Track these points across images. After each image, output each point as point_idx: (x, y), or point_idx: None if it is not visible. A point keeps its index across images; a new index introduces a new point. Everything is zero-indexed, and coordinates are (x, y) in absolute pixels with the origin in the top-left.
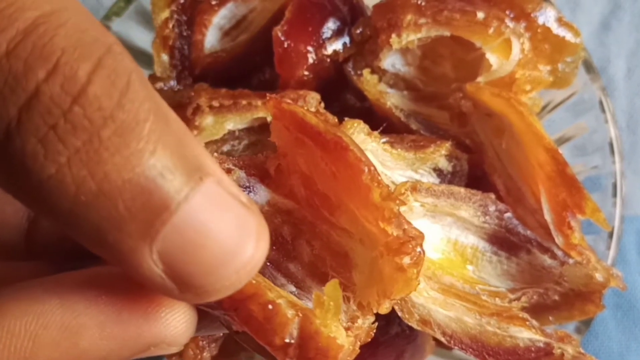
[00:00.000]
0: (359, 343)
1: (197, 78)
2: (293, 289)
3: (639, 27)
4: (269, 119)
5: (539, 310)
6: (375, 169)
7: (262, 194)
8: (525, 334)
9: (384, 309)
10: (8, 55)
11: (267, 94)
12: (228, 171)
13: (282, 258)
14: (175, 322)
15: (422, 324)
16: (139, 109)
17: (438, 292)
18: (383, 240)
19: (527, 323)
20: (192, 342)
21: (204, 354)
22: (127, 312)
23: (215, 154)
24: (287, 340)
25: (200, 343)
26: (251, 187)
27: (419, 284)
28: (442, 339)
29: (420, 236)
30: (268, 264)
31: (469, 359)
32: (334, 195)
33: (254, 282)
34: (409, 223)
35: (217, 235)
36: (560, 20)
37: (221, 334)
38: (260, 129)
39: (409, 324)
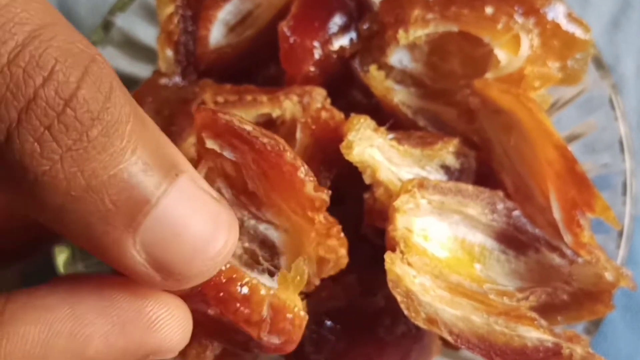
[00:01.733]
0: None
1: (202, 74)
2: (252, 221)
3: None
4: (274, 115)
5: (547, 310)
6: (309, 169)
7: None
8: (533, 334)
9: (319, 279)
10: (9, 64)
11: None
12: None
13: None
14: (173, 332)
15: (428, 323)
16: (121, 111)
17: (445, 290)
18: (312, 228)
19: (536, 322)
20: (194, 340)
21: (207, 352)
22: (131, 324)
23: None
24: (263, 316)
25: (203, 341)
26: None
27: (347, 258)
28: (449, 338)
29: (336, 222)
30: None
31: (477, 359)
32: (262, 193)
33: (230, 266)
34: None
35: (193, 226)
36: (570, 16)
37: None
38: (265, 125)
39: (416, 322)
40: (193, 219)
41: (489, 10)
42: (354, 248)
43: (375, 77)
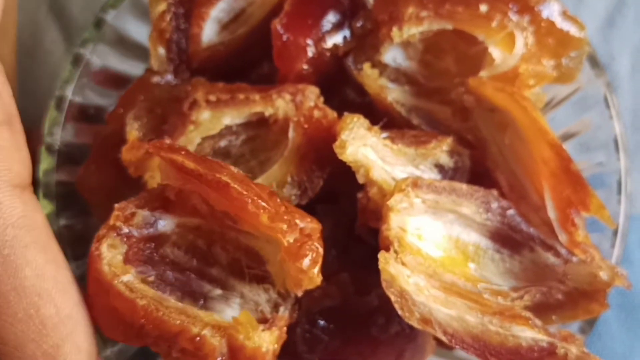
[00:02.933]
0: (284, 331)
1: (195, 72)
2: (219, 291)
3: None
4: (267, 113)
5: (542, 309)
6: (259, 196)
7: (170, 220)
8: (528, 334)
9: (300, 293)
10: None
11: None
12: (132, 215)
13: (203, 267)
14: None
15: (422, 323)
16: None
17: (439, 290)
18: (282, 248)
19: (530, 322)
20: None
21: None
22: None
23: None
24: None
25: None
26: (157, 220)
27: (320, 277)
28: (443, 338)
29: (316, 229)
30: (192, 275)
31: (471, 359)
32: (232, 212)
33: (177, 321)
34: (304, 217)
35: None
36: (564, 14)
37: None
38: (258, 124)
39: (410, 322)
40: None
41: (483, 8)
42: (348, 247)
43: (369, 75)
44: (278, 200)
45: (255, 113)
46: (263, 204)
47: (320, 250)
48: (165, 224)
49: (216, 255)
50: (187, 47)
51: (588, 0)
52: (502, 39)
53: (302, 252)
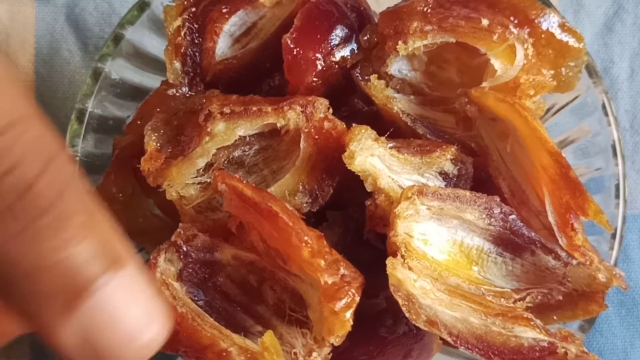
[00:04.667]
0: None
1: (209, 85)
2: (260, 328)
3: None
4: (279, 124)
5: (543, 310)
6: (304, 232)
7: (227, 251)
8: (529, 334)
9: (336, 342)
10: None
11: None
12: (193, 237)
13: (251, 302)
14: None
15: (429, 325)
16: (72, 206)
17: (444, 293)
18: (320, 288)
19: (532, 323)
20: None
21: None
22: None
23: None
24: None
25: None
26: (216, 247)
27: (352, 322)
28: (449, 339)
29: (357, 279)
30: (238, 308)
31: (476, 357)
32: (281, 249)
33: (209, 334)
34: (349, 267)
35: (128, 317)
36: (563, 26)
37: None
38: (270, 135)
39: (417, 324)
40: (129, 310)
41: (485, 21)
42: (357, 252)
43: (375, 86)
44: (325, 243)
45: (267, 124)
46: (306, 238)
47: (357, 298)
48: (223, 253)
49: (264, 294)
50: (202, 60)
51: (588, 6)
52: (503, 51)
53: (338, 294)
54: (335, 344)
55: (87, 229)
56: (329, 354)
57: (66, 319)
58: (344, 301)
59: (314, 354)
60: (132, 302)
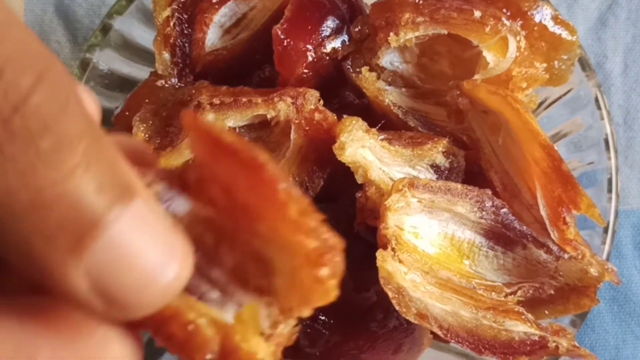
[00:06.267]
0: (280, 350)
1: (198, 76)
2: (217, 294)
3: (636, 23)
4: (269, 116)
5: (534, 304)
6: (292, 185)
7: (183, 203)
8: (520, 328)
9: (306, 313)
10: None
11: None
12: (149, 184)
13: (205, 265)
14: (120, 351)
15: (419, 318)
16: (76, 126)
17: (435, 286)
18: (302, 252)
19: (523, 317)
20: None
21: None
22: (79, 340)
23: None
24: (207, 357)
25: None
26: (171, 199)
27: (336, 292)
28: (439, 333)
29: (339, 244)
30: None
31: (466, 351)
32: (253, 207)
33: (174, 304)
34: (328, 231)
35: (145, 255)
36: (556, 19)
37: None
38: (260, 126)
39: (407, 318)
40: (145, 247)
41: (477, 13)
42: (347, 245)
43: (367, 78)
44: (312, 203)
45: (257, 115)
46: (295, 193)
47: (342, 266)
48: (178, 205)
49: (222, 255)
50: (191, 51)
51: (581, 1)
52: (495, 43)
53: (323, 260)
54: (305, 316)
55: (92, 155)
56: (295, 326)
57: (74, 262)
58: (329, 267)
59: (281, 326)
60: (148, 237)
